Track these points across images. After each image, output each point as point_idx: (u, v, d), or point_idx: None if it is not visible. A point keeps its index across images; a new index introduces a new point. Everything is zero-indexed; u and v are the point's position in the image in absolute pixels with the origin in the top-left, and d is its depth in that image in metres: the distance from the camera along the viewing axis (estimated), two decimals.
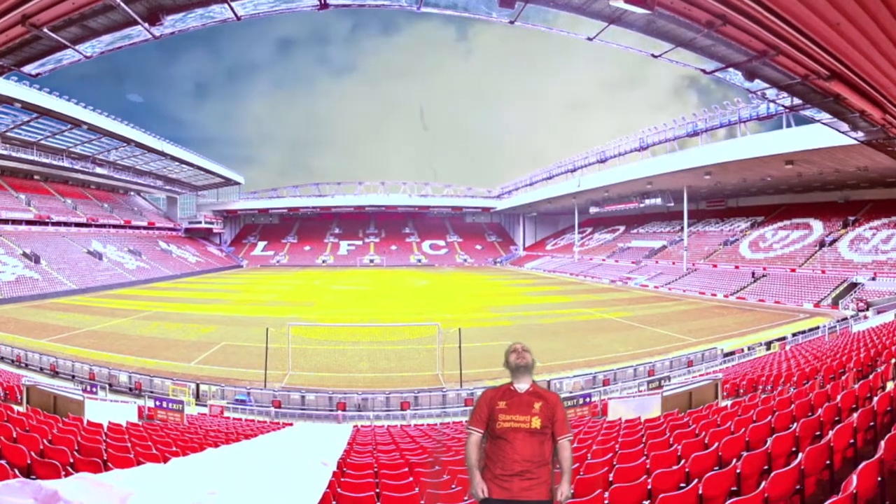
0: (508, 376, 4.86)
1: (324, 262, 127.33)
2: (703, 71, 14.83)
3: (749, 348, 33.79)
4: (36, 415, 13.51)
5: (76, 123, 70.35)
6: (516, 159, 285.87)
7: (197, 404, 25.49)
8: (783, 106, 17.92)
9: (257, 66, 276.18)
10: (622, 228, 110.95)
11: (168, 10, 10.97)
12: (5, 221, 76.23)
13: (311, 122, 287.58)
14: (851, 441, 7.49)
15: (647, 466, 8.07)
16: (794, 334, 36.38)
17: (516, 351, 4.80)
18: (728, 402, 15.42)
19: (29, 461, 7.92)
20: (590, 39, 13.69)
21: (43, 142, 78.13)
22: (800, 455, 6.48)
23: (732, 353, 33.22)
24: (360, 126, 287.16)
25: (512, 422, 4.60)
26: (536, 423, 4.59)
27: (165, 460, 9.03)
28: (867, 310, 42.80)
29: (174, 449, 11.05)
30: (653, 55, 14.18)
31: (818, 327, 37.09)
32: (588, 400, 22.08)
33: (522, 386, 4.74)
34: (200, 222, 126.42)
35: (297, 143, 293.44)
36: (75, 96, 66.77)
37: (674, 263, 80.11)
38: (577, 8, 12.34)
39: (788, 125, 53.19)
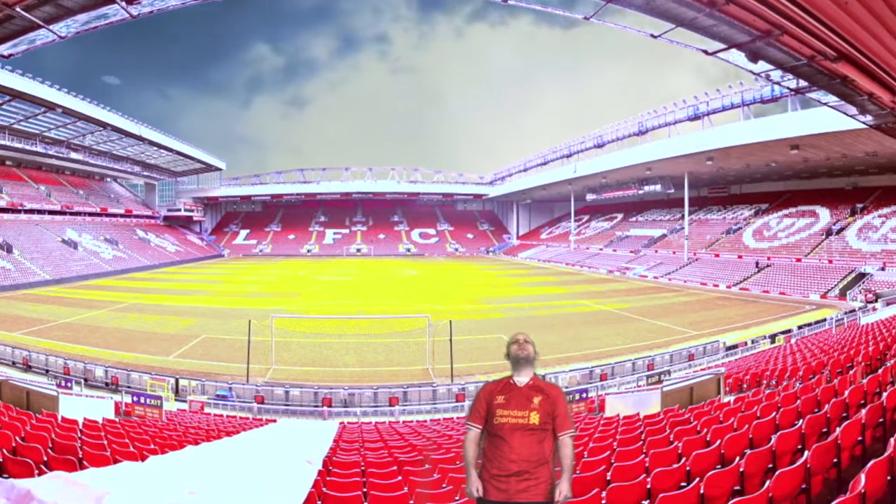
0: (504, 369, 4.82)
1: (309, 251, 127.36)
2: (705, 52, 14.81)
3: (753, 341, 33.90)
4: (8, 411, 13.41)
5: (50, 107, 69.47)
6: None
7: (176, 400, 25.31)
8: (788, 88, 17.95)
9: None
10: (620, 216, 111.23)
11: None
12: None
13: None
14: (860, 438, 7.49)
15: (647, 465, 8.06)
16: (799, 327, 36.52)
17: (517, 342, 4.73)
18: (731, 398, 15.44)
19: (1, 459, 7.86)
20: (587, 19, 13.65)
21: (15, 126, 77.05)
22: (806, 453, 6.47)
23: (735, 346, 33.34)
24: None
25: (509, 417, 4.54)
26: (535, 418, 4.52)
27: (143, 458, 8.99)
28: (876, 301, 42.97)
29: (152, 446, 10.99)
30: (652, 35, 14.15)
31: (825, 319, 37.21)
32: (584, 395, 22.04)
33: (522, 379, 4.68)
34: (180, 210, 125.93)
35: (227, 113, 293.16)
36: (49, 78, 66.34)
37: (674, 253, 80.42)
38: None
39: (794, 109, 53.31)
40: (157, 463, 8.25)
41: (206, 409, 24.06)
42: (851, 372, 13.73)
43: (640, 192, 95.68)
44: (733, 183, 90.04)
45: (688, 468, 7.38)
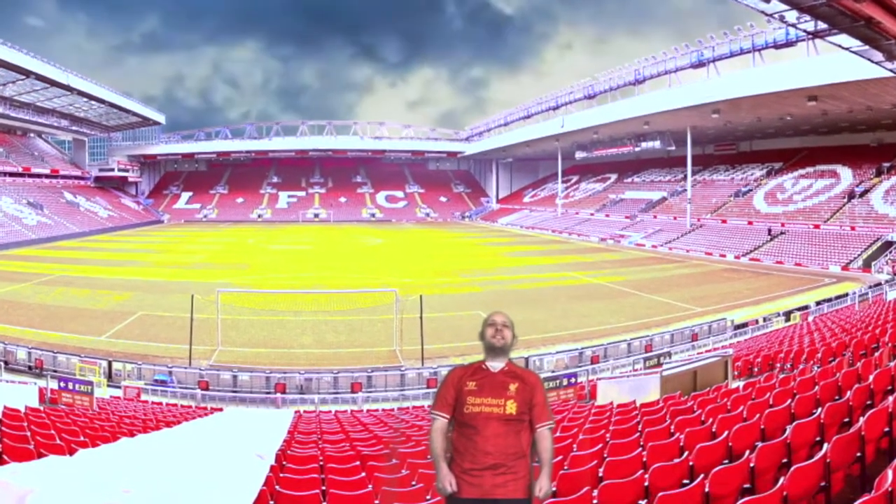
0: (481, 351, 4.72)
1: (260, 216, 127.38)
2: None
3: (765, 319, 34.22)
4: None
5: None
6: None
7: (109, 385, 25.21)
8: (805, 31, 17.95)
9: None
10: (614, 177, 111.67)
11: None
12: None
13: None
14: (886, 429, 7.48)
15: (644, 459, 8.07)
16: (818, 302, 36.91)
17: (495, 325, 4.61)
18: (740, 384, 15.59)
19: None
20: None
21: None
22: (825, 446, 6.46)
23: (745, 324, 33.68)
24: None
25: (483, 406, 4.45)
26: (511, 407, 4.44)
27: (72, 452, 8.93)
28: None
29: (82, 438, 10.93)
30: None
31: (846, 294, 37.62)
32: (573, 380, 22.21)
33: (497, 364, 4.58)
34: (113, 169, 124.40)
35: None
36: None
37: (675, 218, 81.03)
38: None
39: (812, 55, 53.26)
40: (88, 457, 8.17)
41: (143, 396, 24.02)
42: (877, 354, 13.82)
43: (637, 149, 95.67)
44: (742, 139, 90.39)
45: (691, 463, 7.37)
